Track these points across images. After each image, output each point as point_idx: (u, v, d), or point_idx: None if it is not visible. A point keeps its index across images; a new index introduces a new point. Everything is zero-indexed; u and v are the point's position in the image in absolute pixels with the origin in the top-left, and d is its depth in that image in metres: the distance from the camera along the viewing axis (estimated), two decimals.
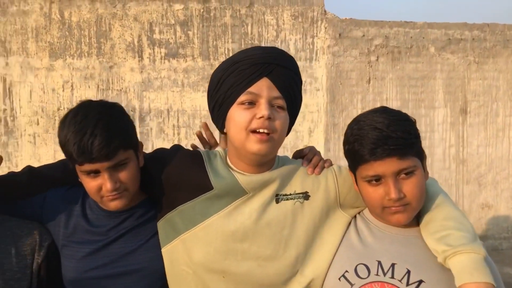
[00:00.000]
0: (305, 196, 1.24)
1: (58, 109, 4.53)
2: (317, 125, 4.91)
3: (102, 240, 1.21)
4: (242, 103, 1.17)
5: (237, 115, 1.17)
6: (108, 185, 1.15)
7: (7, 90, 4.46)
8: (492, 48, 5.24)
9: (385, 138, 1.07)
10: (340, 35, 4.93)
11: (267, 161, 1.24)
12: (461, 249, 1.03)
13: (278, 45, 4.83)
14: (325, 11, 4.91)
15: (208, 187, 1.20)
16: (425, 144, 5.14)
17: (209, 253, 1.14)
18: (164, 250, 1.23)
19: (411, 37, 5.08)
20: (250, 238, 1.16)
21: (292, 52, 4.84)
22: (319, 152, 1.37)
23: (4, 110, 4.47)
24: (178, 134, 4.71)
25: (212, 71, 4.61)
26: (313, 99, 4.92)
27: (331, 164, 1.34)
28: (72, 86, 4.53)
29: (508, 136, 5.33)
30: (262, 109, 1.14)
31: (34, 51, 4.44)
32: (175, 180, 1.25)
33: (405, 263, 1.11)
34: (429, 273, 1.09)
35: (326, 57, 4.90)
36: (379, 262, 1.12)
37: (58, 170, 1.32)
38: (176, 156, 1.30)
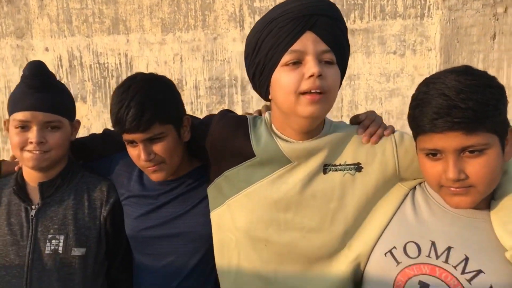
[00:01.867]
0: (357, 167, 1.13)
1: None
2: None
3: (153, 204, 1.31)
4: (286, 64, 1.09)
5: (283, 78, 1.08)
6: (142, 156, 1.22)
7: (129, 64, 4.93)
8: None
9: (450, 107, 0.92)
10: None
11: (315, 126, 1.13)
12: None
13: (383, 2, 4.41)
14: None
15: (251, 154, 1.17)
16: None
17: (251, 220, 1.12)
18: (213, 214, 1.26)
19: None
20: (293, 209, 1.10)
21: (399, 9, 4.37)
22: (380, 118, 1.21)
23: None
24: None
25: None
26: (423, 60, 4.42)
27: (392, 132, 1.17)
28: (181, 58, 4.81)
29: None
30: (311, 67, 1.04)
31: (149, 28, 4.81)
32: (220, 146, 1.26)
33: (464, 248, 0.97)
34: (492, 264, 0.94)
35: (440, 12, 4.31)
36: (433, 243, 1.00)
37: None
38: (221, 122, 1.30)
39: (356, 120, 1.26)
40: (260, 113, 1.38)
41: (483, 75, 0.99)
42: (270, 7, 4.50)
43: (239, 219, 1.14)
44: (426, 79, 1.07)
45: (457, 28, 4.32)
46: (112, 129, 1.44)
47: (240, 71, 4.70)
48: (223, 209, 1.20)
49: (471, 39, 4.33)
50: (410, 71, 4.47)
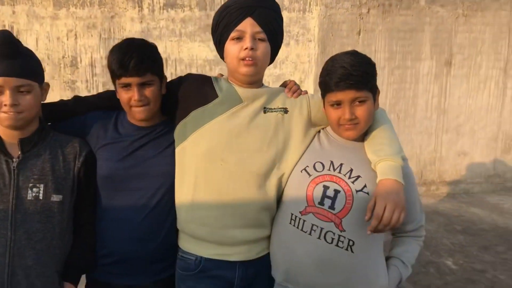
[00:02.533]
0: (285, 110, 1.56)
1: (63, 57, 4.72)
2: (308, 76, 5.11)
3: (129, 148, 1.54)
4: (233, 39, 1.47)
5: (230, 48, 1.48)
6: (136, 96, 1.46)
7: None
8: (482, 1, 5.30)
9: (348, 74, 1.37)
10: None
11: (256, 81, 1.55)
12: (384, 158, 1.38)
13: None
14: None
15: (215, 96, 1.52)
16: (409, 94, 5.37)
17: (212, 145, 1.48)
18: (178, 149, 1.56)
19: None
20: (243, 136, 1.48)
21: (285, 3, 4.93)
22: (298, 85, 1.67)
23: None
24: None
25: (208, 21, 4.81)
26: (305, 50, 5.08)
27: (306, 93, 1.65)
28: (75, 35, 4.69)
29: (489, 87, 5.53)
30: (246, 43, 1.43)
31: (39, 0, 4.56)
32: (190, 91, 1.56)
33: (350, 164, 1.46)
34: (365, 172, 1.43)
35: (318, 9, 4.99)
36: (331, 162, 1.46)
37: (104, 98, 1.66)
38: (192, 75, 1.65)
39: (283, 84, 1.68)
40: (219, 76, 1.72)
41: (365, 56, 1.48)
42: None
43: (203, 145, 1.48)
44: (331, 57, 1.52)
45: (332, 23, 5.06)
46: (83, 96, 1.66)
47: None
48: (186, 144, 1.52)
49: (342, 34, 5.12)
50: (294, 59, 5.09)
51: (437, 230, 4.35)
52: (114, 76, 1.48)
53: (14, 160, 1.40)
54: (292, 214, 1.46)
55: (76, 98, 1.64)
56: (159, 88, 1.51)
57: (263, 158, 1.48)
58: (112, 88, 1.60)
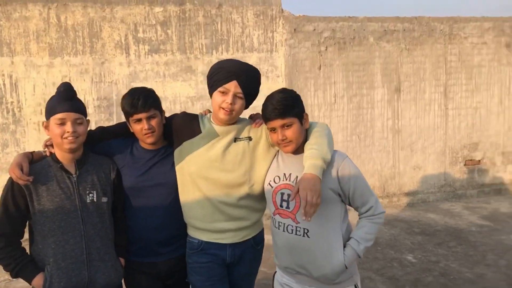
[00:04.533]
0: (249, 138, 2.04)
1: None
2: None
3: (145, 167, 2.04)
4: (219, 92, 1.95)
5: (216, 98, 1.96)
6: (145, 126, 1.97)
7: (14, 85, 5.05)
8: (420, 37, 6.18)
9: (273, 109, 1.81)
10: (295, 29, 5.73)
11: (231, 122, 2.04)
12: (309, 159, 1.78)
13: (243, 39, 5.60)
14: (282, 9, 5.68)
15: (199, 131, 2.04)
16: (367, 118, 6.09)
17: (198, 167, 1.99)
18: (177, 168, 2.07)
19: (354, 29, 5.94)
20: (219, 160, 1.99)
21: (255, 45, 5.62)
22: (260, 116, 2.10)
23: (12, 102, 5.08)
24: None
25: (189, 63, 5.44)
26: (274, 84, 5.73)
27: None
28: (69, 80, 5.16)
29: (433, 109, 6.35)
30: (228, 99, 1.92)
31: (35, 51, 5.04)
32: (182, 127, 2.06)
33: (296, 172, 1.87)
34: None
35: (284, 49, 5.70)
36: (284, 173, 1.92)
37: (121, 128, 2.14)
38: (183, 113, 2.13)
39: (250, 116, 2.17)
40: (205, 112, 2.21)
41: (290, 92, 1.89)
42: (152, 38, 5.26)
43: (192, 166, 1.98)
44: (267, 96, 1.92)
45: (296, 60, 5.77)
46: (105, 126, 2.17)
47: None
48: (182, 163, 2.02)
49: (305, 69, 5.83)
50: (265, 93, 5.70)
51: (399, 234, 4.94)
52: (128, 115, 1.99)
53: (74, 176, 1.90)
54: (271, 217, 1.97)
55: (101, 128, 2.13)
56: (160, 119, 2.04)
57: (235, 175, 1.99)
58: (104, 124, 2.05)
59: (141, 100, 1.95)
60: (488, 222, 5.34)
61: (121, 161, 2.07)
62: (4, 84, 5.03)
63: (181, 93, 5.45)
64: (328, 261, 1.81)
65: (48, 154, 1.91)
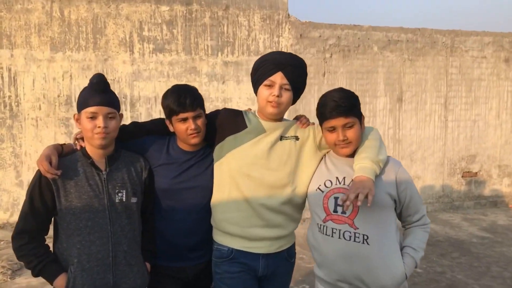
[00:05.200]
0: (296, 138, 1.95)
1: (58, 96, 5.00)
2: None
3: (181, 168, 1.92)
4: (265, 85, 1.86)
5: (262, 92, 1.87)
6: (192, 126, 1.86)
7: (12, 79, 4.87)
8: (422, 48, 6.20)
9: (337, 106, 1.73)
10: (301, 35, 5.69)
11: (278, 118, 1.95)
12: (358, 163, 1.73)
13: (249, 43, 5.52)
14: (288, 14, 5.63)
15: (245, 126, 1.94)
16: (368, 126, 6.06)
17: (241, 163, 1.87)
18: (216, 165, 1.96)
19: (359, 38, 5.93)
20: (265, 157, 1.88)
21: (261, 49, 5.55)
22: (307, 118, 2.08)
23: (9, 96, 4.89)
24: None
25: (193, 64, 5.33)
26: None
27: (313, 124, 2.05)
28: (71, 76, 5.01)
29: (434, 120, 6.36)
30: (275, 91, 1.83)
31: (36, 45, 4.87)
32: (226, 122, 1.96)
33: (350, 176, 1.77)
34: None
35: None
36: (337, 177, 1.82)
37: (156, 125, 2.03)
38: (227, 110, 2.02)
39: (296, 117, 2.09)
40: (248, 110, 2.12)
41: (349, 91, 1.84)
42: (157, 37, 5.15)
43: (234, 163, 1.86)
44: (324, 93, 1.86)
45: None
46: (139, 121, 2.04)
47: (129, 90, 5.15)
48: (222, 160, 1.91)
49: (310, 75, 5.78)
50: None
51: None
52: (173, 113, 1.87)
53: (103, 173, 1.77)
54: (318, 224, 1.83)
55: (135, 124, 2.01)
56: (204, 119, 1.94)
57: (279, 175, 1.88)
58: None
59: (189, 98, 1.84)
60: (488, 234, 5.34)
61: (156, 160, 1.94)
62: (2, 77, 4.84)
63: None
64: (389, 271, 1.70)
65: (78, 148, 1.79)
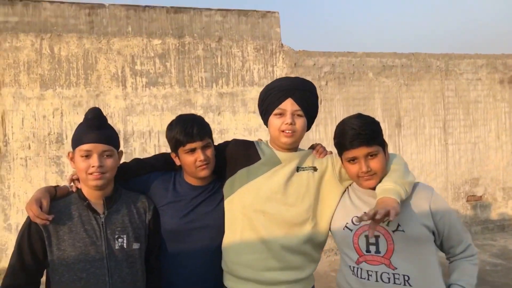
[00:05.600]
0: (314, 169, 1.78)
1: (49, 134, 4.82)
2: None
3: (190, 206, 1.73)
4: (275, 115, 1.72)
5: (273, 122, 1.73)
6: (201, 157, 1.68)
7: (0, 118, 4.69)
8: (417, 72, 6.17)
9: (358, 134, 1.56)
10: (295, 64, 5.62)
11: (292, 148, 1.79)
12: (380, 186, 1.55)
13: (243, 73, 5.44)
14: (282, 44, 5.59)
15: (258, 158, 1.77)
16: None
17: (256, 198, 1.69)
18: (226, 201, 1.77)
19: (353, 64, 5.88)
20: (281, 192, 1.70)
21: (255, 79, 5.46)
22: (324, 147, 1.92)
23: None
24: (160, 152, 5.12)
25: (188, 97, 5.17)
26: None
27: (331, 153, 1.89)
28: (61, 113, 4.85)
29: (434, 144, 6.24)
30: (287, 119, 1.69)
31: (26, 83, 4.73)
32: (237, 154, 1.80)
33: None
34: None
35: None
36: (365, 212, 1.55)
37: (159, 160, 1.84)
38: (237, 141, 1.87)
39: (312, 146, 1.94)
40: (259, 140, 1.96)
41: (369, 117, 1.67)
42: (150, 70, 5.04)
43: (248, 198, 1.69)
44: (341, 121, 1.70)
45: None
46: (139, 157, 1.86)
47: (122, 125, 4.99)
48: (233, 196, 1.74)
49: None
50: (264, 128, 5.52)
51: None
52: (179, 144, 1.71)
53: (101, 216, 1.57)
54: (350, 266, 1.63)
55: (137, 160, 1.84)
56: (213, 150, 1.77)
57: (298, 210, 1.70)
58: None
59: (196, 127, 1.69)
60: (500, 260, 5.11)
61: (162, 199, 1.75)
62: None
63: None
64: None
65: (74, 189, 1.61)
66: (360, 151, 1.56)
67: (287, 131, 1.68)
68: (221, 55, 5.34)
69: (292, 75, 5.60)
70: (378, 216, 1.37)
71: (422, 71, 6.18)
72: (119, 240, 1.57)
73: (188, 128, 1.68)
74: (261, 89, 5.89)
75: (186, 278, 1.71)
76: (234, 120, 5.39)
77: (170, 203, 1.75)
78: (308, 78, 5.69)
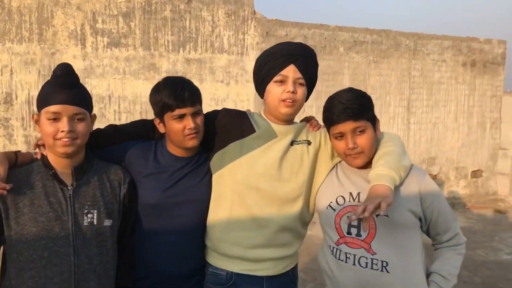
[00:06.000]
0: (308, 142, 1.70)
1: None
2: None
3: (174, 178, 1.57)
4: (276, 82, 1.60)
5: (273, 90, 1.60)
6: (191, 124, 1.52)
7: None
8: (387, 50, 6.16)
9: (345, 108, 1.48)
10: (267, 33, 5.42)
11: (291, 119, 1.69)
12: (374, 170, 1.46)
13: (213, 39, 5.17)
14: (254, 11, 5.35)
15: (252, 130, 1.64)
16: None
17: (249, 174, 1.59)
18: (215, 176, 1.66)
19: (325, 37, 5.76)
20: (276, 167, 1.61)
21: (225, 46, 5.22)
22: (317, 120, 1.82)
23: None
24: (119, 119, 4.85)
25: (152, 61, 4.87)
26: (243, 89, 5.37)
27: (323, 127, 1.76)
28: (11, 70, 4.42)
29: (397, 123, 6.35)
30: (289, 87, 1.57)
31: None
32: (229, 125, 1.66)
33: (366, 192, 1.47)
34: None
35: (255, 53, 5.36)
36: (350, 193, 1.55)
37: (139, 127, 1.68)
38: (229, 111, 1.72)
39: (305, 119, 1.83)
40: (248, 111, 1.82)
41: (360, 91, 1.58)
42: (113, 30, 4.68)
43: (240, 173, 1.59)
44: (330, 96, 1.60)
45: None
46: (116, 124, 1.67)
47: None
48: (223, 171, 1.63)
49: None
50: (234, 97, 5.34)
51: None
52: (167, 110, 1.53)
53: (69, 188, 1.39)
54: (330, 246, 1.58)
55: (114, 127, 1.65)
56: (203, 118, 1.61)
57: (292, 186, 1.63)
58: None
59: (188, 91, 1.52)
60: None
61: (142, 170, 1.59)
62: None
63: (143, 93, 4.89)
64: None
65: (39, 156, 1.41)
66: (347, 126, 1.48)
67: (288, 100, 1.57)
68: (190, 18, 5.03)
69: (264, 45, 5.41)
70: (366, 214, 1.28)
71: (391, 49, 6.18)
72: (89, 215, 1.40)
73: (179, 91, 1.50)
74: (230, 57, 5.62)
75: (168, 256, 1.59)
76: (201, 89, 5.12)
77: (150, 175, 1.59)
78: None
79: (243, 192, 1.60)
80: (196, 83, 1.62)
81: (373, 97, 6.44)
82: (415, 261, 1.51)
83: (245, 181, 1.59)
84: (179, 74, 5.04)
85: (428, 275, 1.54)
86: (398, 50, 6.22)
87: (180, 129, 1.55)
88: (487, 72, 6.84)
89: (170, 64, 4.98)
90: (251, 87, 5.39)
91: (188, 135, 1.55)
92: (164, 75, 4.97)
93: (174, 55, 5.00)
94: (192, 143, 1.57)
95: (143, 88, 4.89)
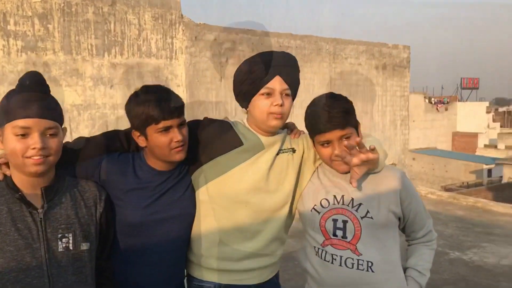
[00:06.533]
0: (293, 150, 1.68)
1: None
2: None
3: (154, 194, 1.44)
4: (262, 94, 1.53)
5: (260, 103, 1.53)
6: (178, 136, 1.39)
7: None
8: (309, 54, 6.44)
9: (331, 118, 1.47)
10: (195, 37, 5.35)
11: (277, 130, 1.63)
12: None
13: (140, 43, 4.97)
14: (182, 15, 5.24)
15: (238, 143, 1.57)
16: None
17: (238, 189, 1.53)
18: (200, 191, 1.56)
19: (253, 43, 5.85)
20: (264, 179, 1.57)
21: (153, 50, 5.04)
22: (295, 125, 1.79)
23: None
24: None
25: (75, 66, 4.52)
26: None
27: (304, 133, 1.73)
28: None
29: None
30: (277, 100, 1.51)
31: None
32: (213, 138, 1.58)
33: (350, 194, 1.53)
34: (365, 198, 1.54)
35: (184, 57, 5.26)
36: (334, 196, 1.55)
37: (113, 139, 1.49)
38: (212, 121, 1.62)
39: (286, 126, 1.82)
40: (226, 119, 1.77)
41: (341, 96, 1.56)
42: (28, 32, 4.29)
43: (228, 188, 1.52)
44: (313, 101, 1.61)
45: (197, 70, 5.37)
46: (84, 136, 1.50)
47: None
48: (208, 186, 1.56)
49: (207, 80, 5.48)
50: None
51: None
52: (151, 122, 1.41)
53: (39, 211, 1.23)
54: (315, 247, 1.58)
55: (86, 140, 1.49)
56: (187, 129, 1.52)
57: (280, 196, 1.62)
58: None
59: (173, 102, 1.39)
60: None
61: (123, 186, 1.44)
62: None
63: (65, 100, 4.52)
64: None
65: (0, 177, 1.22)
66: (334, 134, 1.48)
67: (277, 114, 1.52)
68: (115, 21, 4.77)
69: (193, 49, 5.34)
70: (358, 160, 1.35)
71: (313, 54, 6.48)
72: (63, 240, 1.25)
73: (163, 102, 1.40)
74: (159, 61, 5.47)
75: (152, 277, 1.49)
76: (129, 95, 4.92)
77: (130, 191, 1.46)
78: (209, 53, 5.49)
79: (231, 207, 1.56)
80: (123, 88, 1.51)
81: (299, 100, 6.67)
82: (395, 260, 1.58)
83: (234, 196, 1.55)
84: (105, 80, 4.75)
85: (404, 270, 1.61)
86: (319, 54, 6.54)
87: (166, 143, 1.44)
88: (396, 74, 7.49)
89: (95, 69, 4.67)
90: (182, 91, 5.28)
91: (175, 148, 1.46)
92: (88, 81, 4.66)
93: (99, 60, 4.70)
94: (179, 156, 1.48)
95: (66, 95, 4.52)
